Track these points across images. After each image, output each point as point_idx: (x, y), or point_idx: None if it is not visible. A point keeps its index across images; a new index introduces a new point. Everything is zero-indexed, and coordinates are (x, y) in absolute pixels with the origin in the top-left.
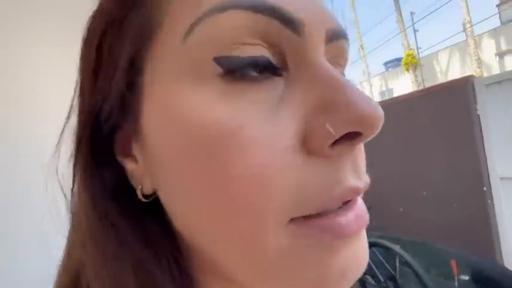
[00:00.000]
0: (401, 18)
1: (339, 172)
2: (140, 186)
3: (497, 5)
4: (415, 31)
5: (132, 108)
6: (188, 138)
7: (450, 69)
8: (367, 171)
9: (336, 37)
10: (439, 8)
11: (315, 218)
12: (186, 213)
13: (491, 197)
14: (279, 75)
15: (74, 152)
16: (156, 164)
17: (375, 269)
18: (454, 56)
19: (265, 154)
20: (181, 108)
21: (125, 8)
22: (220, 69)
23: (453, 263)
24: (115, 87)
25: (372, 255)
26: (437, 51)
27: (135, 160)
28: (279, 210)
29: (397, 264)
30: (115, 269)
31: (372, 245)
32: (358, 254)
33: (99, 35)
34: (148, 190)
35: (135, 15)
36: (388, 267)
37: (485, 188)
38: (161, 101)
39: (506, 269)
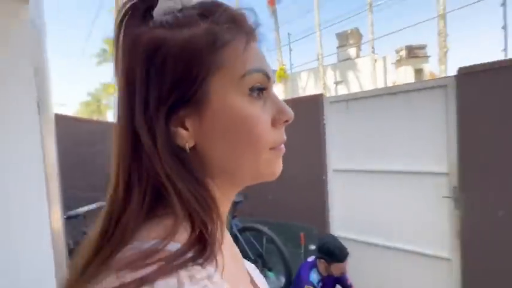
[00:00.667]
0: (279, 37)
1: (282, 135)
2: (186, 144)
3: (337, 47)
4: (290, 50)
5: (199, 101)
6: (236, 119)
7: (308, 87)
8: None
9: (273, 83)
10: (305, 37)
11: (276, 147)
12: (223, 151)
13: (327, 183)
14: (260, 98)
15: (152, 118)
16: (207, 131)
17: (248, 250)
18: (310, 77)
19: (265, 127)
20: (235, 106)
21: (213, 50)
22: (248, 91)
23: (302, 235)
24: (192, 90)
25: (245, 239)
26: (300, 71)
27: (186, 129)
28: (268, 146)
29: (264, 242)
30: (189, 183)
31: (246, 229)
32: (281, 164)
33: (185, 61)
34: (190, 145)
35: (215, 56)
36: (258, 246)
37: (324, 177)
38: (224, 102)
39: (341, 244)
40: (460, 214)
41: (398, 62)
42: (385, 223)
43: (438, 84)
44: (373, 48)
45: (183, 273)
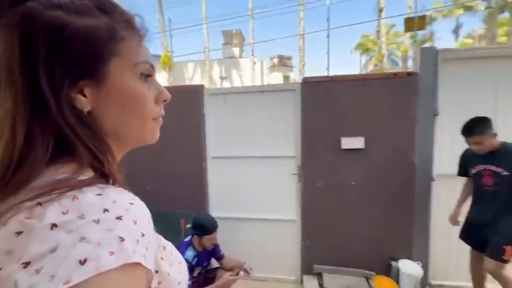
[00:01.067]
0: (163, 21)
1: (161, 110)
2: (84, 107)
3: (223, 44)
4: (171, 36)
5: (99, 77)
6: (129, 94)
7: (194, 78)
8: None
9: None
10: (191, 26)
11: (157, 118)
12: (116, 117)
13: (206, 170)
14: (147, 82)
15: (60, 85)
16: (103, 100)
17: None
18: (197, 68)
19: (150, 103)
20: (129, 85)
21: (113, 42)
22: (139, 76)
23: (182, 221)
24: (93, 69)
25: None
26: (187, 61)
27: (85, 96)
28: (151, 117)
29: None
30: (89, 136)
31: None
32: (159, 132)
33: (89, 45)
34: (87, 109)
35: (114, 47)
36: None
37: (204, 164)
38: (120, 78)
39: (211, 217)
40: (301, 186)
41: (272, 68)
42: (252, 199)
43: (291, 88)
44: (252, 51)
45: (101, 185)
